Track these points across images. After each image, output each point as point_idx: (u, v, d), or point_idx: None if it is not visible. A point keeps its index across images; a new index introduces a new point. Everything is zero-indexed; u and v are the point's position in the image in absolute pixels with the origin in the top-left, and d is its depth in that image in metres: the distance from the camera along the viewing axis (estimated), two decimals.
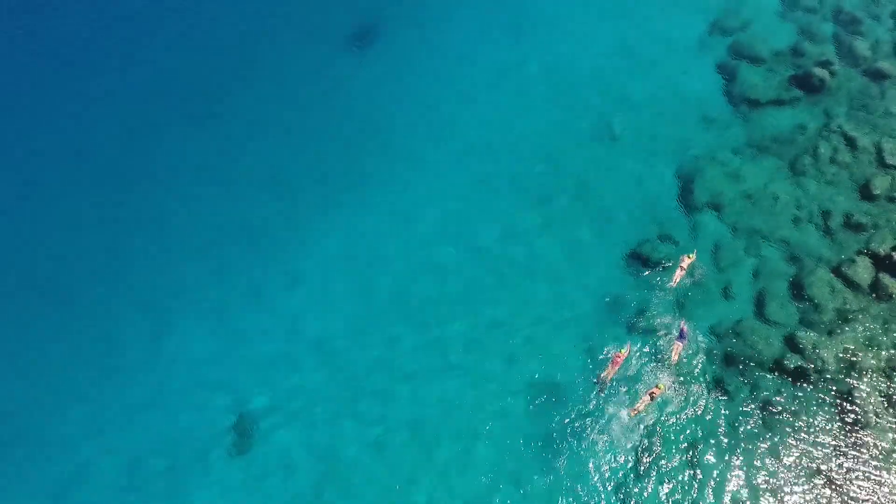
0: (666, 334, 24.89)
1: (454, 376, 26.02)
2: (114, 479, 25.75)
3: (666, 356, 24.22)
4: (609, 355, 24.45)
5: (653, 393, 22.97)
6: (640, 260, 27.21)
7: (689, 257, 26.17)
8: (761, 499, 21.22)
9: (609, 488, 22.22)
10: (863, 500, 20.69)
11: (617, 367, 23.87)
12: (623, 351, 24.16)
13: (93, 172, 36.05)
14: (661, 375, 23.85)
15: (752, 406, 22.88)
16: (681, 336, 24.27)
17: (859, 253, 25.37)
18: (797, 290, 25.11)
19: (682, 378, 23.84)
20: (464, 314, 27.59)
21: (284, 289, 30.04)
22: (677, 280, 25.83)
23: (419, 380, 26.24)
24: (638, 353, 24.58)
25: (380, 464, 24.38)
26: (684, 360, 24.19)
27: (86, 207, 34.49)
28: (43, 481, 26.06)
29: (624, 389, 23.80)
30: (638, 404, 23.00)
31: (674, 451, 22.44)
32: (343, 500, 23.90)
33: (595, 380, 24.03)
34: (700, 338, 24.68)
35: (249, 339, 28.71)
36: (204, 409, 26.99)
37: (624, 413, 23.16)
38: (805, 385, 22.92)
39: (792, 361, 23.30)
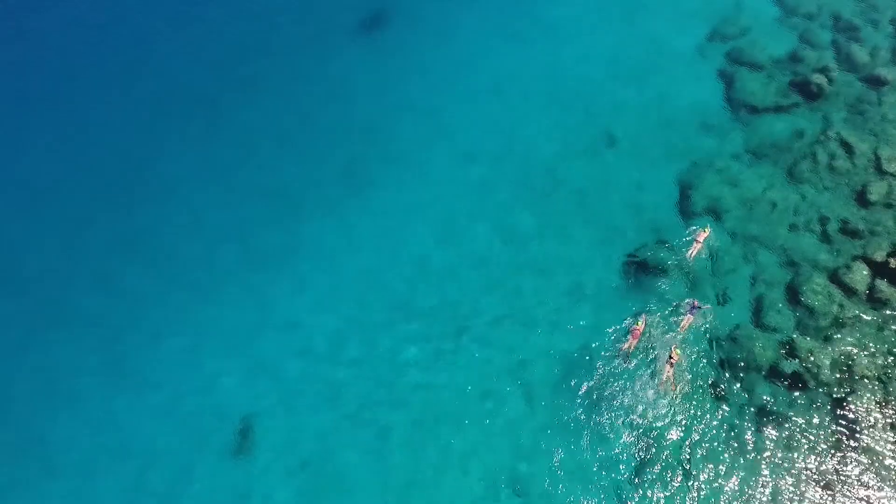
0: (679, 308, 25.65)
1: (464, 371, 26.27)
2: (114, 480, 26.03)
3: (677, 327, 25.17)
4: (627, 329, 25.27)
5: (671, 362, 23.90)
6: (637, 265, 27.44)
7: (704, 232, 27.07)
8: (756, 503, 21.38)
9: (607, 490, 22.41)
10: None
11: (636, 340, 24.76)
12: (640, 324, 25.02)
13: (95, 174, 36.45)
14: (672, 345, 24.60)
15: (749, 411, 23.04)
16: (692, 309, 25.12)
17: (856, 259, 25.51)
18: (794, 295, 25.28)
19: (679, 381, 24.02)
20: (469, 308, 27.99)
21: (287, 292, 30.30)
22: (693, 254, 26.73)
23: (423, 377, 26.48)
24: (653, 326, 25.34)
25: (382, 464, 24.58)
26: (689, 335, 24.93)
27: (86, 213, 34.88)
28: (44, 485, 26.34)
29: (643, 360, 24.61)
30: (663, 377, 23.84)
31: (670, 455, 22.61)
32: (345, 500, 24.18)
33: (617, 353, 24.80)
34: (699, 339, 24.97)
35: (252, 341, 28.97)
36: (205, 411, 27.25)
37: (650, 389, 23.87)
38: (801, 390, 23.07)
39: (788, 367, 23.47)
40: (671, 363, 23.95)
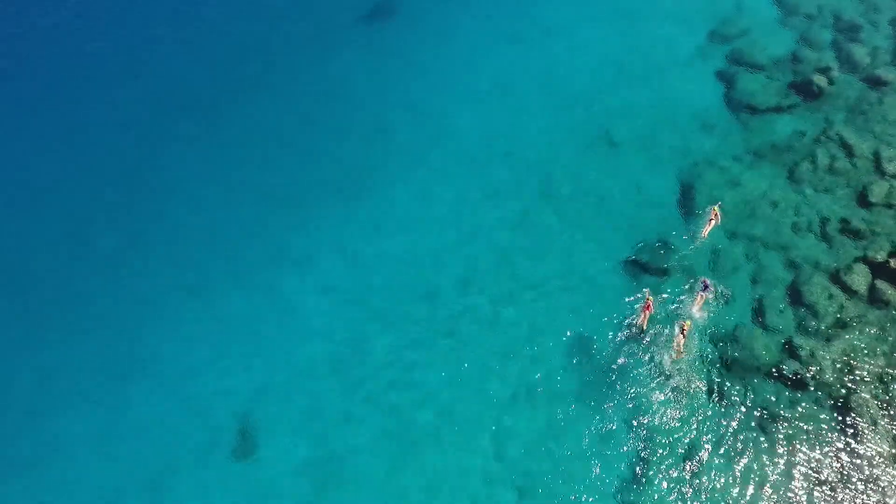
0: (692, 285, 26.14)
1: (467, 368, 26.22)
2: (114, 481, 25.95)
3: (691, 304, 25.66)
4: (639, 304, 25.76)
5: (683, 330, 24.43)
6: (638, 264, 27.46)
7: (716, 210, 27.47)
8: None
9: (608, 489, 22.41)
10: None
11: (648, 314, 25.22)
12: (650, 298, 25.45)
13: (94, 174, 36.39)
14: (686, 317, 25.15)
15: (750, 412, 23.04)
16: (705, 288, 25.53)
17: (857, 260, 25.54)
18: (795, 296, 25.30)
19: (681, 381, 24.04)
20: (469, 305, 28.07)
21: (287, 292, 30.27)
22: (707, 232, 27.28)
23: (426, 373, 26.39)
24: (666, 302, 25.91)
25: (383, 462, 24.53)
26: (691, 343, 25.07)
27: (86, 213, 34.82)
28: (37, 486, 26.24)
29: (658, 335, 25.19)
30: (676, 346, 24.42)
31: (671, 456, 22.61)
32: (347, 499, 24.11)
33: (632, 328, 25.33)
34: (701, 338, 25.05)
35: (253, 341, 28.92)
36: (205, 412, 27.18)
37: (666, 358, 24.45)
38: (802, 391, 23.08)
39: (789, 368, 23.47)
40: (683, 334, 24.45)
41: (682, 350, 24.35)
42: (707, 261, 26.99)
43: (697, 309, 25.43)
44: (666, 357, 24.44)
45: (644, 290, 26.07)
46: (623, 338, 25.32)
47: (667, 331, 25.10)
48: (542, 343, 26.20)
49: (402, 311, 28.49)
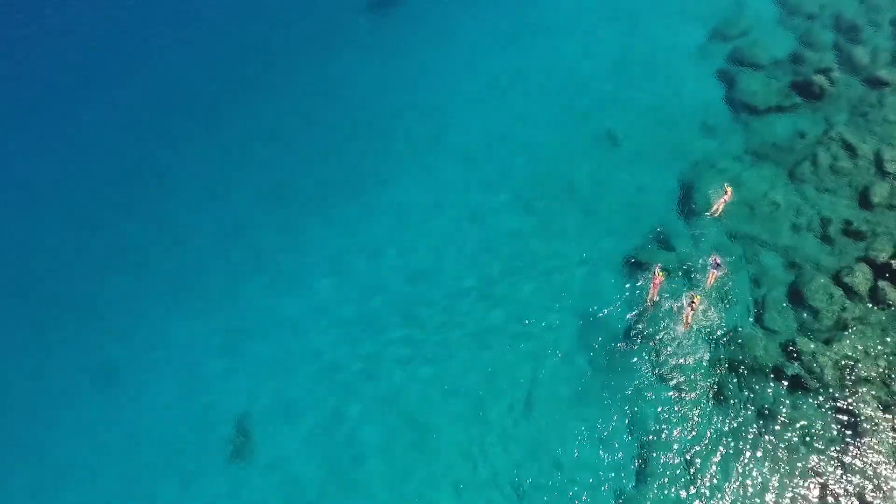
0: (702, 265, 26.44)
1: (469, 368, 26.31)
2: (111, 482, 25.92)
3: (702, 282, 26.00)
4: (648, 281, 26.05)
5: (692, 303, 24.79)
6: (638, 264, 27.37)
7: (726, 192, 27.92)
8: None
9: (608, 490, 22.36)
10: None
11: (656, 290, 25.52)
12: (660, 274, 25.69)
13: (94, 174, 36.38)
14: (696, 292, 25.45)
15: (750, 414, 22.96)
16: (716, 266, 25.77)
17: (858, 260, 25.44)
18: (796, 297, 25.20)
19: (682, 381, 23.98)
20: (470, 303, 28.22)
21: (287, 292, 30.27)
22: (718, 211, 27.66)
23: (426, 373, 26.45)
24: (676, 281, 26.20)
25: (383, 463, 24.53)
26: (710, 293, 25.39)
27: (85, 213, 34.83)
28: (32, 483, 26.21)
29: (668, 308, 25.56)
30: (685, 318, 24.78)
31: (670, 458, 22.54)
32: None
33: (643, 305, 25.67)
34: (702, 339, 24.97)
35: (252, 342, 28.91)
36: (204, 413, 27.17)
37: (678, 329, 24.89)
38: (803, 393, 22.98)
39: (790, 369, 23.38)
40: (692, 307, 24.76)
41: (689, 323, 24.69)
42: (709, 261, 26.91)
43: (709, 286, 25.62)
44: (673, 333, 24.75)
45: (651, 272, 26.28)
46: (627, 327, 25.31)
47: (675, 311, 25.41)
48: (543, 341, 26.19)
49: (402, 308, 28.49)
